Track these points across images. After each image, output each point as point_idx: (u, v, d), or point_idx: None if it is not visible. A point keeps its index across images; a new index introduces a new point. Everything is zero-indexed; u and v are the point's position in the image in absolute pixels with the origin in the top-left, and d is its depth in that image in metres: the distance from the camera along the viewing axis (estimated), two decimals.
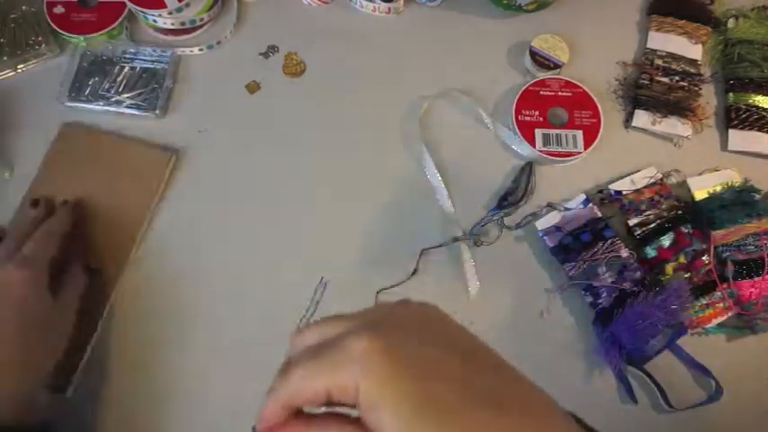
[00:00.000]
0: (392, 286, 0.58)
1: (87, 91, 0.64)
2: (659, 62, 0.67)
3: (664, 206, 0.60)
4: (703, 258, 0.58)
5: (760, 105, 0.65)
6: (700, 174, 0.62)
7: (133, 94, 0.64)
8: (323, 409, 0.27)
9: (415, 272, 0.58)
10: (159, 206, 0.61)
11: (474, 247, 0.60)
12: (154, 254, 0.59)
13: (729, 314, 0.57)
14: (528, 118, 0.63)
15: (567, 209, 0.60)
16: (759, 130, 0.64)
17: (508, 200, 0.61)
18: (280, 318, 0.56)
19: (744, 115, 0.65)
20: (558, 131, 0.63)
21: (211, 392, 0.55)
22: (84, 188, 0.59)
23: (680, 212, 0.59)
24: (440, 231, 0.60)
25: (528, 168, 0.62)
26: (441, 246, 0.59)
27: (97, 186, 0.59)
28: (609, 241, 0.58)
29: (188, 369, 0.55)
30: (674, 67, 0.67)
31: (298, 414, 0.27)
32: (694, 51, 0.67)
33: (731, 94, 0.66)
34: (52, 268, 0.49)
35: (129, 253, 0.58)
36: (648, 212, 0.59)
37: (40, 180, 0.60)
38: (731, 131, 0.65)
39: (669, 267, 0.57)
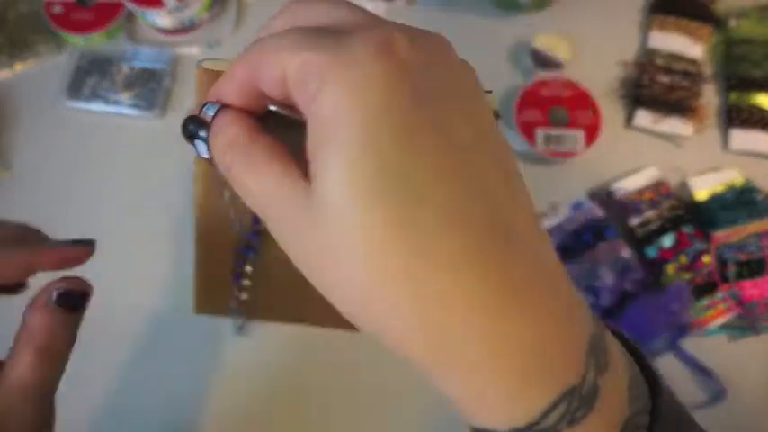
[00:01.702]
0: None
1: (86, 91, 0.64)
2: (660, 61, 0.67)
3: (665, 206, 0.59)
4: (704, 259, 0.57)
5: (761, 105, 0.65)
6: (701, 174, 0.62)
7: (132, 93, 0.64)
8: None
9: None
10: None
11: None
12: None
13: (731, 315, 0.56)
14: (528, 118, 0.63)
15: (567, 209, 0.60)
16: (761, 129, 0.64)
17: None
18: None
19: (745, 115, 0.64)
20: (558, 131, 0.62)
21: None
22: None
23: (681, 213, 0.59)
24: None
25: None
26: None
27: None
28: (610, 241, 0.57)
29: None
30: (675, 66, 0.66)
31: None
32: (695, 51, 0.67)
33: (732, 93, 0.66)
34: None
35: None
36: (649, 213, 0.59)
37: None
38: (732, 131, 0.64)
39: (670, 268, 0.57)
